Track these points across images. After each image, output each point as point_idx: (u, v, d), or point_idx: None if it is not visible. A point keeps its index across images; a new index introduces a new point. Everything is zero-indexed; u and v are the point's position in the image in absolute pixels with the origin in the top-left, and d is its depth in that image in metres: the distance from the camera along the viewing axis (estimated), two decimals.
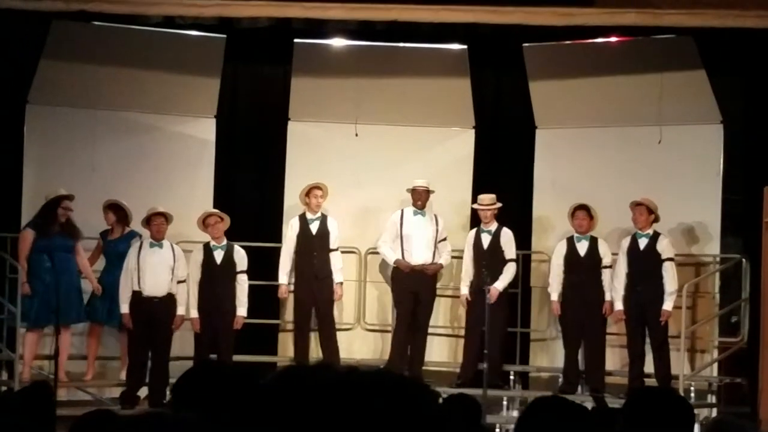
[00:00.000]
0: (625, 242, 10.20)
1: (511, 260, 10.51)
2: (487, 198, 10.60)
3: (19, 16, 10.02)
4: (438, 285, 10.99)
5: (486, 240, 10.55)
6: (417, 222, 10.71)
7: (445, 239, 10.76)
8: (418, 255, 10.66)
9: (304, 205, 10.75)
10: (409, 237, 10.68)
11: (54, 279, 9.79)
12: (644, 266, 10.04)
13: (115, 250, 10.28)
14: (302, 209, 11.03)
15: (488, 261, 10.43)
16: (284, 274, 10.68)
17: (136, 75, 11.15)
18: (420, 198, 10.71)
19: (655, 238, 10.07)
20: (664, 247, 10.03)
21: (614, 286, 10.12)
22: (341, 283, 10.67)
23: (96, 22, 10.67)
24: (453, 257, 10.97)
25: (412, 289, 10.62)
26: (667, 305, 9.89)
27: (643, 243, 10.10)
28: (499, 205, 10.57)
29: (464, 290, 10.60)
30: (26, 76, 10.83)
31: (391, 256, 10.71)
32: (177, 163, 11.24)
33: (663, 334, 9.95)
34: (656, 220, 10.12)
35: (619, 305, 10.10)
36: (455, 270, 11.18)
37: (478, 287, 10.33)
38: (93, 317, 10.26)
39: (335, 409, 1.87)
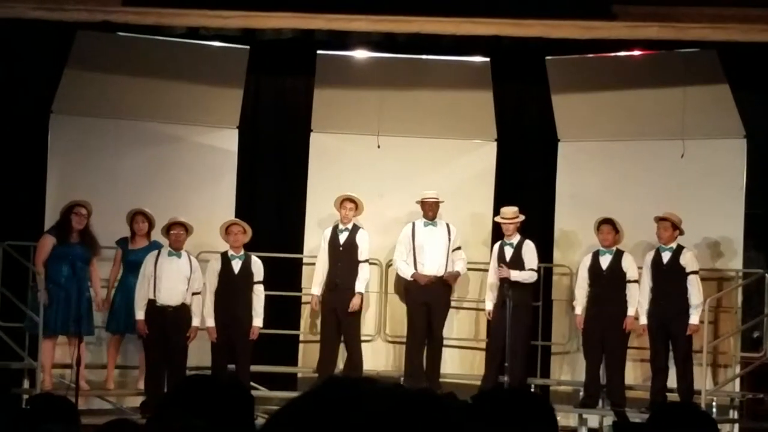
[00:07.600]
0: (649, 256, 10.14)
1: (531, 270, 10.48)
2: (509, 211, 10.55)
3: (43, 26, 10.08)
4: (455, 296, 10.98)
5: (509, 253, 10.51)
6: (429, 233, 10.68)
7: (459, 248, 10.73)
8: (432, 266, 10.62)
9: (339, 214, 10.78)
10: (422, 248, 10.65)
11: (75, 288, 9.85)
12: (667, 280, 9.98)
13: (140, 259, 10.17)
14: (323, 220, 11.07)
15: None
16: (316, 285, 10.66)
17: (160, 85, 11.19)
18: (431, 209, 10.68)
19: (678, 251, 10.02)
20: (687, 261, 9.97)
21: (639, 300, 10.09)
22: (360, 294, 10.57)
23: (120, 33, 10.73)
24: (471, 269, 10.97)
25: (425, 300, 10.59)
26: (694, 319, 9.82)
27: (666, 257, 10.04)
28: (521, 218, 10.53)
29: (489, 305, 10.57)
30: (50, 85, 10.89)
31: (407, 269, 10.68)
32: (199, 174, 11.27)
33: (687, 348, 9.90)
34: (680, 234, 10.07)
35: (643, 319, 10.05)
36: (471, 282, 11.17)
37: (501, 301, 10.31)
38: (113, 328, 10.28)
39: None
